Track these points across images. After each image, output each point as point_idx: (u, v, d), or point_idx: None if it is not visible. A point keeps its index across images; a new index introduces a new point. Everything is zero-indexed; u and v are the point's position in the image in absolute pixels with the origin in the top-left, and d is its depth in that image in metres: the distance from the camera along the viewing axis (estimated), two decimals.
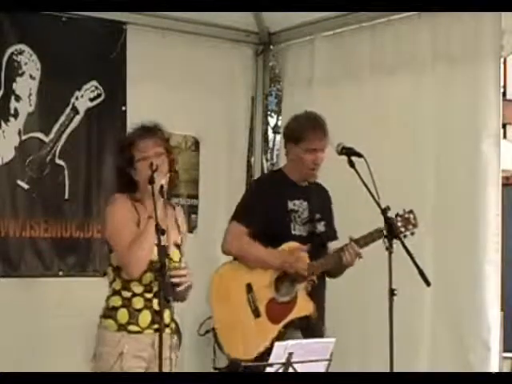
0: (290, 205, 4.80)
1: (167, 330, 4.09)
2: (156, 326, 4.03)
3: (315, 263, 4.69)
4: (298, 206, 4.82)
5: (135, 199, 4.15)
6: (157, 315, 4.02)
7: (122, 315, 4.07)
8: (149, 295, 4.07)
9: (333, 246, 4.89)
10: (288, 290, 4.71)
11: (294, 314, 4.67)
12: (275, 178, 4.99)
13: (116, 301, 4.11)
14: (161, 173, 4.04)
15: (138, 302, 4.07)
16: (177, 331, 4.25)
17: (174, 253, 4.16)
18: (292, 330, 4.66)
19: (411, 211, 4.64)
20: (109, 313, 4.11)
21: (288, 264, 4.66)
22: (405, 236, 4.48)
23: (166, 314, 4.08)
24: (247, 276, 4.75)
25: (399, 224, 4.54)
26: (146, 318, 4.06)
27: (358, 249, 4.64)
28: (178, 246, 4.23)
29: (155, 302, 4.04)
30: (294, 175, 4.89)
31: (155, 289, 4.03)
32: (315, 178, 4.90)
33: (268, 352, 4.33)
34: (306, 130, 4.80)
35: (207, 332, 4.85)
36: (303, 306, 4.67)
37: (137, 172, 4.13)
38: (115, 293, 4.12)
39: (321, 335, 4.70)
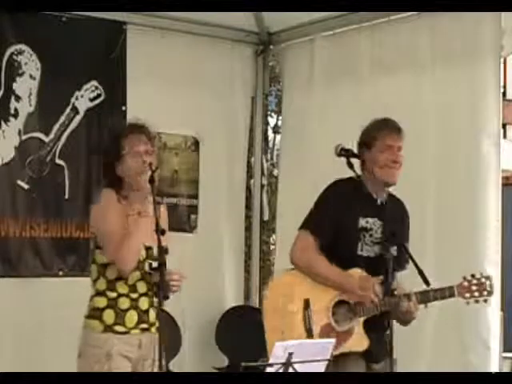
0: (362, 222, 4.36)
1: (153, 330, 4.09)
2: (142, 326, 4.05)
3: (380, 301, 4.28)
4: (371, 224, 4.37)
5: (121, 195, 4.07)
6: (144, 314, 4.04)
7: (109, 316, 4.03)
8: (134, 295, 4.04)
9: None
10: (345, 320, 4.34)
11: (346, 347, 4.28)
12: (352, 187, 4.42)
13: (101, 301, 4.06)
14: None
15: (124, 303, 4.04)
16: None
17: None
18: (353, 359, 4.31)
19: (489, 277, 4.31)
20: (94, 313, 4.07)
21: (360, 291, 4.25)
22: (477, 301, 4.27)
23: (151, 314, 4.08)
24: (307, 290, 4.39)
25: (473, 287, 4.27)
26: (132, 317, 4.04)
27: (413, 307, 4.23)
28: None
29: (141, 301, 4.04)
30: (371, 186, 4.41)
31: (140, 289, 4.03)
32: (393, 178, 4.41)
33: None
34: (377, 130, 4.45)
35: None
36: (358, 342, 4.28)
37: (124, 167, 4.06)
38: (99, 293, 4.07)
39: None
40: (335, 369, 4.08)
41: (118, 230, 3.98)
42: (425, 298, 4.23)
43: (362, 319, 4.29)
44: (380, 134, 4.42)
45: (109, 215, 4.02)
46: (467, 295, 4.28)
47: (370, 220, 4.37)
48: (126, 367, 4.02)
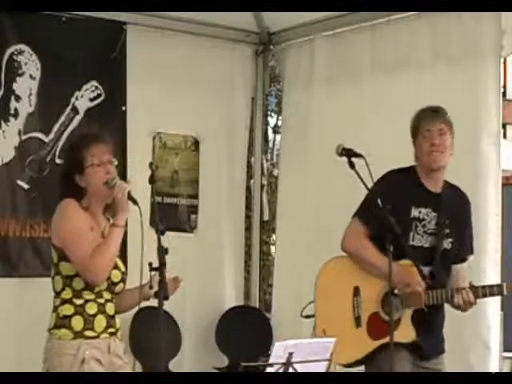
0: (415, 212, 4.35)
1: (118, 335, 4.06)
2: (111, 330, 4.00)
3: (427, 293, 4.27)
4: (424, 214, 4.36)
5: (82, 206, 3.99)
6: (111, 319, 4.00)
7: (77, 322, 3.96)
8: (101, 300, 3.99)
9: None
10: (394, 310, 4.24)
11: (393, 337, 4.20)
12: (404, 177, 4.47)
13: (68, 309, 3.99)
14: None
15: (91, 308, 3.97)
16: None
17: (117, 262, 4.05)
18: (398, 349, 4.19)
19: None
20: (61, 322, 3.99)
21: (402, 283, 4.21)
22: None
23: (117, 319, 4.05)
24: (357, 277, 4.40)
25: None
26: (101, 322, 3.98)
27: (472, 299, 4.23)
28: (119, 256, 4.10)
29: (108, 306, 4.00)
30: (422, 175, 4.43)
31: (105, 296, 3.99)
32: (438, 163, 4.36)
33: (356, 364, 4.32)
34: (417, 118, 4.49)
35: (309, 316, 4.53)
36: (404, 332, 4.22)
37: (86, 178, 3.97)
38: (65, 302, 3.99)
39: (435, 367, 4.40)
40: (379, 359, 4.20)
41: (88, 241, 3.91)
42: (481, 293, 4.25)
43: (410, 311, 4.27)
44: (420, 121, 4.46)
45: (76, 227, 3.93)
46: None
47: (423, 210, 4.37)
48: (99, 370, 3.94)
